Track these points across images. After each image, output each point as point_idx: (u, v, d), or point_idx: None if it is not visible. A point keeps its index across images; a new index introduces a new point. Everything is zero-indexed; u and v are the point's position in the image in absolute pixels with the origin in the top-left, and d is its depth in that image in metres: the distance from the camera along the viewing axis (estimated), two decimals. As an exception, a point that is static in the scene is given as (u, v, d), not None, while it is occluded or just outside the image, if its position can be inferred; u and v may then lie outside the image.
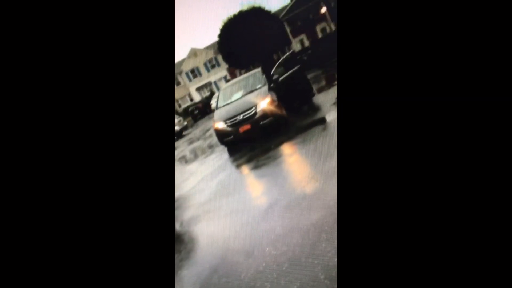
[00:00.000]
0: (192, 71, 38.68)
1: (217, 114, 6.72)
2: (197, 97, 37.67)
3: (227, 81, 34.56)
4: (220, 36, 28.98)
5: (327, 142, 4.06)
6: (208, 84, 38.49)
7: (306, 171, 3.54)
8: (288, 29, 32.31)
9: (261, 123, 6.01)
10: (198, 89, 38.86)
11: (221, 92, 7.62)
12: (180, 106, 37.96)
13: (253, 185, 4.16)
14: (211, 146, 8.08)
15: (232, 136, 6.16)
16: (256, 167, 4.59)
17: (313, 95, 7.62)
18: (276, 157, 4.56)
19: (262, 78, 6.96)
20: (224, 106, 6.90)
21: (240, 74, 30.38)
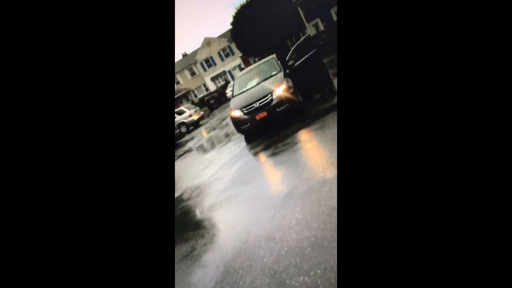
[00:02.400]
0: (207, 60, 38.69)
1: (233, 102, 6.73)
2: (212, 87, 37.79)
3: (241, 69, 34.37)
4: (233, 23, 28.69)
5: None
6: (223, 73, 38.45)
7: (325, 157, 3.52)
8: (302, 14, 31.53)
9: (277, 109, 5.98)
10: (213, 79, 38.92)
11: (236, 80, 7.60)
12: (196, 96, 38.23)
13: (271, 172, 4.18)
14: (227, 135, 8.14)
15: (249, 124, 6.17)
16: (274, 154, 4.59)
17: (330, 80, 7.47)
18: (293, 144, 4.54)
19: (277, 64, 6.88)
20: (240, 94, 6.90)
21: (254, 62, 30.10)
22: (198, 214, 3.82)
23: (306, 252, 1.98)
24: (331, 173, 2.89)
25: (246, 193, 3.64)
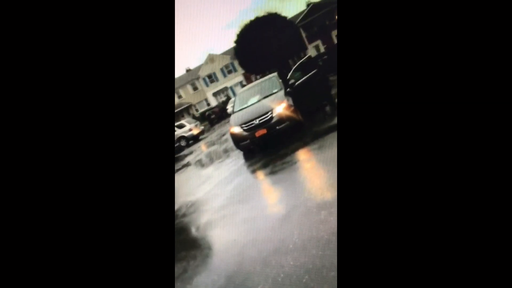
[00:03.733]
0: (209, 76, 39.19)
1: (233, 118, 6.71)
2: (213, 102, 38.07)
3: (243, 86, 34.77)
4: (236, 41, 29.25)
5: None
6: (225, 89, 38.85)
7: (324, 178, 3.44)
8: (304, 35, 32.25)
9: (277, 127, 5.95)
10: (215, 94, 39.28)
11: (237, 97, 7.61)
12: (197, 110, 38.43)
13: (269, 191, 4.08)
14: (226, 151, 8.07)
15: (248, 141, 6.12)
16: (272, 173, 4.51)
17: (331, 99, 7.49)
18: (292, 163, 4.47)
19: (278, 82, 6.91)
20: (240, 110, 6.89)
21: (256, 79, 30.46)
22: (192, 232, 3.69)
23: (304, 280, 1.87)
24: (331, 196, 2.80)
25: (242, 213, 3.53)
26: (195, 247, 3.19)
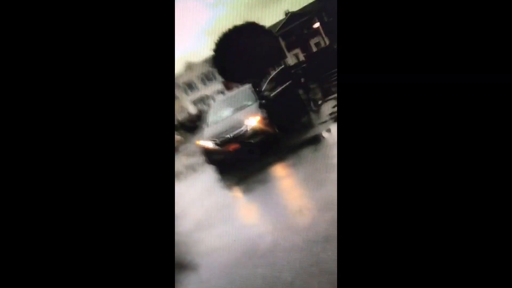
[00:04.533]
0: (189, 84, 38.72)
1: (206, 132, 6.42)
2: (193, 110, 37.53)
3: (223, 94, 34.52)
4: (215, 50, 29.12)
5: (319, 166, 3.74)
6: (205, 97, 38.44)
7: (302, 199, 3.22)
8: (283, 44, 32.59)
9: (251, 141, 5.71)
10: (195, 102, 38.77)
11: (210, 109, 7.35)
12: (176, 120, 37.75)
13: (241, 215, 3.81)
14: (202, 164, 7.75)
15: (221, 155, 5.83)
16: (245, 191, 4.26)
17: (306, 111, 7.35)
18: (266, 181, 4.23)
19: (252, 94, 6.71)
20: (213, 123, 6.62)
21: (236, 88, 30.26)
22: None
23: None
24: (308, 220, 2.57)
25: (208, 241, 3.24)
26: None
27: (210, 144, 5.90)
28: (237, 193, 4.50)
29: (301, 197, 3.30)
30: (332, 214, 2.45)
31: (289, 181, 4.01)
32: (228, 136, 5.74)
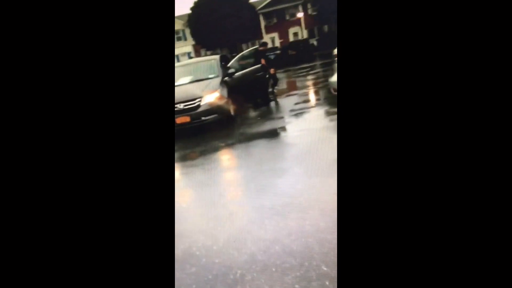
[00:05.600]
0: (154, 37, 35.79)
1: (156, 95, 5.76)
2: (153, 67, 34.84)
3: (190, 57, 32.60)
4: (192, 9, 27.20)
5: (265, 168, 3.46)
6: (169, 56, 35.95)
7: (233, 204, 2.91)
8: (262, 24, 31.63)
9: (202, 118, 5.25)
10: (157, 58, 36.09)
11: (167, 71, 6.63)
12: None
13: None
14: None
15: (166, 126, 5.28)
16: (181, 173, 3.84)
17: (268, 101, 7.03)
18: (207, 168, 3.85)
19: (217, 68, 6.17)
20: (166, 88, 5.97)
21: (206, 55, 28.89)
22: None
23: None
24: (235, 226, 2.27)
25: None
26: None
27: (156, 110, 5.30)
28: (176, 169, 4.06)
29: (237, 199, 3.00)
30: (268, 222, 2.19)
31: (230, 175, 3.68)
32: (178, 106, 5.20)
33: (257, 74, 6.33)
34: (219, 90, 5.50)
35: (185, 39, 35.41)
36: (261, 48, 7.23)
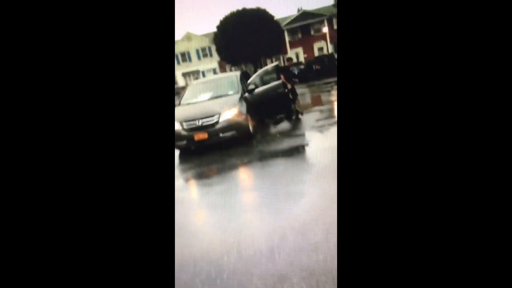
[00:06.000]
0: (183, 54, 37.21)
1: (177, 111, 5.79)
2: (181, 82, 36.15)
3: (215, 73, 33.40)
4: (218, 27, 28.03)
5: (284, 186, 3.27)
6: (196, 72, 37.09)
7: (248, 228, 2.74)
8: (287, 39, 31.89)
9: (220, 135, 5.17)
10: (184, 75, 37.36)
11: (188, 88, 6.69)
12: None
13: (184, 214, 3.28)
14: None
15: (185, 142, 5.26)
16: (198, 192, 3.74)
17: (289, 118, 6.86)
18: (223, 188, 3.72)
19: (237, 84, 6.13)
20: (187, 104, 6.00)
21: (231, 70, 29.51)
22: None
23: None
24: (248, 253, 2.09)
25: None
26: None
27: (176, 126, 5.29)
28: (190, 188, 3.97)
29: (248, 225, 2.82)
30: (283, 251, 1.99)
31: (243, 198, 3.50)
32: (196, 123, 5.17)
33: (278, 91, 6.21)
34: (238, 106, 5.42)
35: (211, 56, 36.43)
36: (287, 64, 7.15)
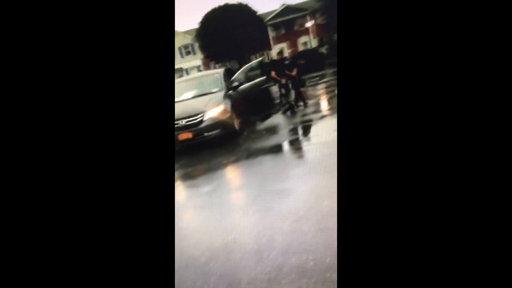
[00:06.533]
0: (165, 52, 36.50)
1: (159, 111, 5.63)
2: (164, 81, 35.39)
3: (199, 71, 32.97)
4: (201, 23, 27.62)
5: (271, 184, 3.21)
6: (179, 70, 36.50)
7: (236, 230, 2.67)
8: (270, 35, 31.78)
9: (205, 134, 5.07)
10: (167, 73, 36.69)
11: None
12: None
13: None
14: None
15: (168, 142, 5.12)
16: (183, 195, 3.64)
17: (276, 111, 6.79)
18: (209, 189, 3.63)
19: (221, 81, 6.01)
20: (170, 103, 5.84)
21: (215, 67, 29.19)
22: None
23: None
24: (236, 256, 2.02)
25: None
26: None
27: (158, 127, 5.15)
28: (176, 190, 3.86)
29: (235, 226, 2.75)
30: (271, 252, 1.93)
31: (230, 197, 3.43)
32: (180, 122, 5.04)
33: (263, 87, 6.14)
34: (222, 104, 5.33)
35: (194, 53, 35.92)
36: (277, 57, 7.05)
